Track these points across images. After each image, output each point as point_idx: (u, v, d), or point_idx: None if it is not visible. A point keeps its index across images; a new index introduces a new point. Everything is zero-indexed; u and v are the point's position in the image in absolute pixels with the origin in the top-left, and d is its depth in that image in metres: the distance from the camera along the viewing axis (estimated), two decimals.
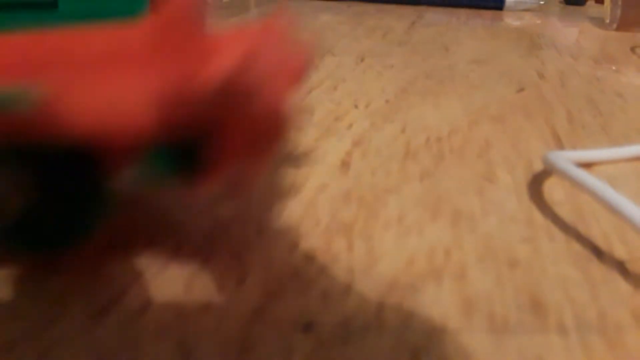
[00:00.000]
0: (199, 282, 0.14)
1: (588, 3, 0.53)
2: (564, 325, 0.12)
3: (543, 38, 0.39)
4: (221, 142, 0.12)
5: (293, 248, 0.15)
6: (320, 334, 0.12)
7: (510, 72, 0.31)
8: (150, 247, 0.14)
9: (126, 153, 0.12)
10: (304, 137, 0.22)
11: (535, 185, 0.18)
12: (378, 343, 0.12)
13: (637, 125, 0.23)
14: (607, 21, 0.43)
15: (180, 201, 0.15)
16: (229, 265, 0.14)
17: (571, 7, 0.50)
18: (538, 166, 0.20)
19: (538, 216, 0.17)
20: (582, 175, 0.16)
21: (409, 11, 0.48)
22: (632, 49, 0.36)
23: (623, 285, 0.14)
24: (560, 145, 0.22)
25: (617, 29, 0.41)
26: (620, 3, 0.41)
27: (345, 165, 0.20)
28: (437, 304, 0.13)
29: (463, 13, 0.47)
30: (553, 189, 0.18)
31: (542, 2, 0.49)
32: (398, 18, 0.45)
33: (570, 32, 0.41)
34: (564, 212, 0.17)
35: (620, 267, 0.14)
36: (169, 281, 0.14)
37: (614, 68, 0.32)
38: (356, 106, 0.25)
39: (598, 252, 0.15)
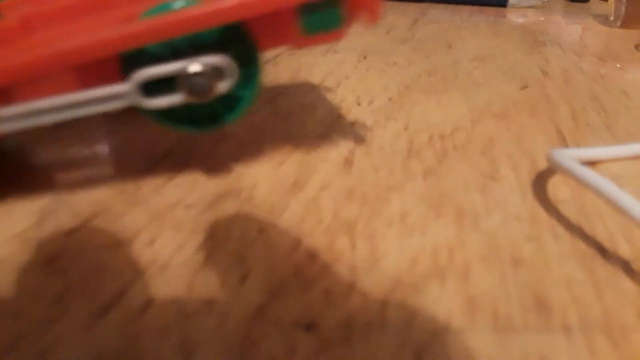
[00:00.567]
0: (200, 280, 0.14)
1: (592, 0, 0.52)
2: (568, 325, 0.12)
3: (547, 35, 0.39)
4: None
5: (295, 246, 0.15)
6: (322, 333, 0.12)
7: (513, 70, 0.31)
8: None
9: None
10: (307, 134, 0.22)
11: (540, 183, 0.18)
12: (381, 342, 0.12)
13: None
14: (612, 18, 0.42)
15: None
16: (230, 264, 0.14)
17: (575, 4, 0.50)
18: (542, 164, 0.20)
19: (542, 214, 0.17)
20: (587, 173, 0.16)
21: (412, 8, 0.47)
22: (637, 47, 0.36)
23: (628, 285, 0.14)
24: (565, 143, 0.21)
25: (622, 26, 0.41)
26: (624, 0, 0.41)
27: (348, 163, 0.20)
28: (441, 303, 0.13)
29: (466, 10, 0.47)
30: (557, 187, 0.18)
31: (545, 0, 0.49)
32: (401, 15, 0.45)
33: (574, 29, 0.41)
34: (569, 210, 0.17)
35: (626, 266, 0.14)
36: (171, 279, 0.14)
37: (618, 65, 0.32)
38: (359, 104, 0.25)
39: (603, 251, 0.15)
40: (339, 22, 0.17)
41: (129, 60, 0.16)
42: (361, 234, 0.15)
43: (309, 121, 0.23)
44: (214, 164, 0.19)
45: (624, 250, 0.15)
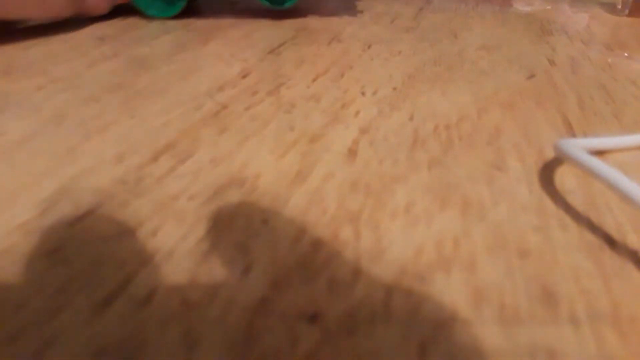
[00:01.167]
0: (204, 271, 0.13)
1: None
2: (576, 316, 0.12)
3: (553, 24, 0.38)
4: None
5: (299, 237, 0.15)
6: (326, 325, 0.12)
7: (520, 59, 0.30)
8: None
9: None
10: (311, 124, 0.22)
11: (547, 173, 0.18)
12: (385, 334, 0.12)
13: None
14: (619, 7, 0.42)
15: None
16: (234, 255, 0.14)
17: None
18: (549, 154, 0.19)
19: (549, 205, 0.16)
20: (595, 162, 0.16)
21: None
22: None
23: (637, 276, 0.13)
24: (572, 133, 0.21)
25: (629, 14, 0.41)
26: None
27: (352, 153, 0.19)
28: (446, 294, 0.13)
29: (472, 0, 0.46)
30: (565, 177, 0.18)
31: None
32: (406, 4, 0.44)
33: (581, 18, 0.40)
34: (576, 200, 0.17)
35: (634, 257, 0.14)
36: (174, 270, 0.14)
37: (626, 54, 0.31)
38: (363, 93, 0.25)
39: (611, 242, 0.15)
40: None
41: None
42: (365, 225, 0.15)
43: (313, 111, 0.23)
44: (217, 155, 0.19)
45: (632, 240, 0.15)
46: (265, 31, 0.36)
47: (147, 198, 0.17)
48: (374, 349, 0.11)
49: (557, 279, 0.13)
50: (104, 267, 0.14)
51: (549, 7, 0.44)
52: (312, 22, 0.38)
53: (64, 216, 0.16)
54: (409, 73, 0.28)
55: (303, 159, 0.19)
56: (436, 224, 0.15)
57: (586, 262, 0.14)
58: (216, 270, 0.14)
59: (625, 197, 0.15)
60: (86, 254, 0.14)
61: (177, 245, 0.14)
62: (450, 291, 0.13)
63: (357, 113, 0.23)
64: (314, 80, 0.27)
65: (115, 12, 0.40)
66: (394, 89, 0.26)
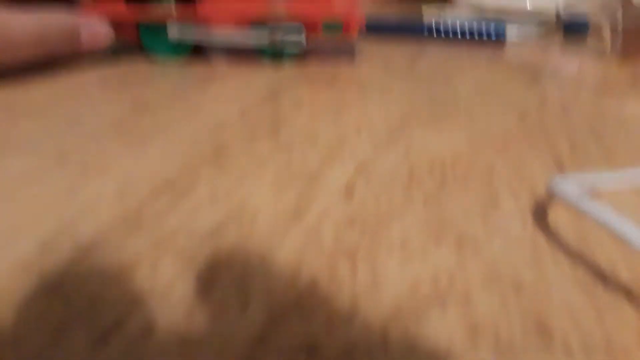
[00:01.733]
0: (201, 308, 0.14)
1: (588, 35, 0.53)
2: (570, 349, 0.12)
3: (544, 69, 0.39)
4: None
5: (296, 274, 0.15)
6: (324, 358, 0.12)
7: (512, 101, 0.31)
8: None
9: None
10: (308, 163, 0.22)
11: (540, 210, 0.18)
12: None
13: None
14: (608, 52, 0.43)
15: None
16: (231, 293, 0.14)
17: (572, 39, 0.51)
18: (542, 192, 0.20)
19: (543, 241, 0.17)
20: (586, 201, 0.16)
21: (411, 45, 0.48)
22: (634, 80, 0.37)
23: (630, 310, 0.14)
24: (564, 172, 0.22)
25: (618, 60, 0.42)
26: (620, 35, 0.41)
27: (349, 191, 0.20)
28: (442, 328, 0.13)
29: (465, 47, 0.48)
30: (558, 215, 0.18)
31: (542, 38, 0.50)
32: (400, 49, 0.46)
33: (570, 63, 0.42)
34: (569, 237, 0.17)
35: (627, 293, 0.14)
36: (172, 307, 0.14)
37: (616, 98, 0.32)
38: (359, 133, 0.26)
39: (604, 278, 0.15)
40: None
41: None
42: (362, 261, 0.16)
43: (310, 151, 0.23)
44: (216, 192, 0.20)
45: (625, 277, 0.15)
46: (265, 75, 0.37)
47: (146, 235, 0.17)
48: None
49: (551, 313, 0.13)
50: (102, 305, 0.14)
51: (540, 53, 0.45)
52: (310, 67, 0.39)
53: (63, 254, 0.16)
54: (404, 113, 0.28)
55: (300, 197, 0.19)
56: (431, 260, 0.16)
57: (580, 297, 0.14)
58: (214, 307, 0.14)
59: (616, 235, 0.15)
60: (85, 291, 0.14)
61: (175, 282, 0.15)
62: (446, 325, 0.13)
63: (354, 152, 0.23)
64: (311, 121, 0.27)
65: (119, 53, 0.41)
66: (389, 128, 0.26)
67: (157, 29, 0.39)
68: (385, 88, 0.33)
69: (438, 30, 0.49)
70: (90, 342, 0.12)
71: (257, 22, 0.38)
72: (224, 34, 0.39)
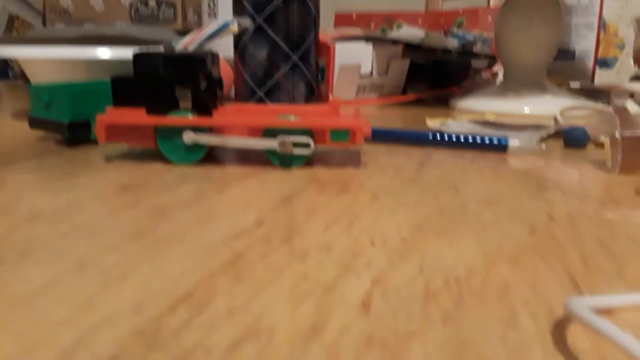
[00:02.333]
0: None
1: (588, 146, 0.55)
2: None
3: (548, 179, 0.41)
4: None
5: None
6: None
7: (520, 213, 0.32)
8: None
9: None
10: (324, 274, 0.22)
11: (559, 331, 0.18)
12: None
13: None
14: (609, 164, 0.45)
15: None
16: None
17: (572, 150, 0.53)
18: (559, 311, 0.20)
19: None
20: (604, 324, 0.16)
21: (417, 151, 0.50)
22: (637, 192, 0.38)
23: None
24: (578, 289, 0.22)
25: (620, 172, 0.43)
26: (620, 147, 0.43)
27: (365, 305, 0.20)
28: None
29: (468, 154, 0.49)
30: (577, 336, 0.18)
31: (543, 148, 0.52)
32: (408, 157, 0.47)
33: (573, 174, 0.43)
34: (589, 359, 0.17)
35: None
36: None
37: (620, 211, 0.33)
38: (373, 244, 0.26)
39: None
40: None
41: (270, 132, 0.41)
42: None
43: (325, 261, 0.24)
44: (233, 305, 0.20)
45: None
46: (278, 181, 0.38)
47: (164, 351, 0.17)
48: None
49: None
50: None
51: (541, 163, 0.46)
52: (321, 172, 0.40)
53: None
54: (416, 224, 0.29)
55: (318, 311, 0.19)
56: None
57: None
58: None
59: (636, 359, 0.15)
60: None
61: None
62: None
63: (368, 263, 0.24)
64: (325, 229, 0.28)
65: (137, 158, 0.43)
66: (402, 239, 0.27)
67: (173, 134, 0.41)
68: (394, 195, 0.34)
69: (442, 138, 0.51)
70: None
71: (269, 130, 0.41)
72: (237, 140, 0.41)
